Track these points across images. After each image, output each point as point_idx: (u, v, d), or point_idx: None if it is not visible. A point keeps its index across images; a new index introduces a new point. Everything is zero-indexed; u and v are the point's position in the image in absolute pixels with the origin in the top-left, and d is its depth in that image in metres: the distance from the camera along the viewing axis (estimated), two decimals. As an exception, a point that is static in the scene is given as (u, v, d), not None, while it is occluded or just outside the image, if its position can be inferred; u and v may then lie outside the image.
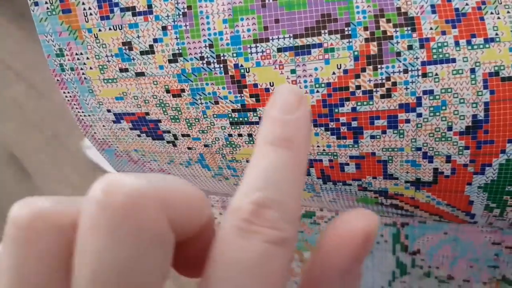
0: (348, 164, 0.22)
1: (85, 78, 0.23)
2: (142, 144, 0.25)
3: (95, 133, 0.25)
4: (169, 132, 0.24)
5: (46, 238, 0.12)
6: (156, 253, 0.12)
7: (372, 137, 0.21)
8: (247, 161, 0.24)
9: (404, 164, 0.22)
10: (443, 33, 0.19)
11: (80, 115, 0.24)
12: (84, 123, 0.25)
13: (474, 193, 0.22)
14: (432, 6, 0.19)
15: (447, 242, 0.29)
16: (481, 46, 0.19)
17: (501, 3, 0.19)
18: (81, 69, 0.23)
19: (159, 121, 0.23)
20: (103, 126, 0.24)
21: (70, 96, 0.24)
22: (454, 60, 0.19)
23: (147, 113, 0.23)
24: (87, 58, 0.22)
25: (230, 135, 0.23)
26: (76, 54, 0.22)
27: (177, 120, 0.23)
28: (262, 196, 0.13)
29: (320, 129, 0.21)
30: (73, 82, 0.23)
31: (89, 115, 0.24)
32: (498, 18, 0.19)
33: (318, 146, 0.22)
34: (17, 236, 0.12)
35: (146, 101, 0.23)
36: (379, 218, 0.16)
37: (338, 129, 0.21)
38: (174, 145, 0.24)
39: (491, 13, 0.19)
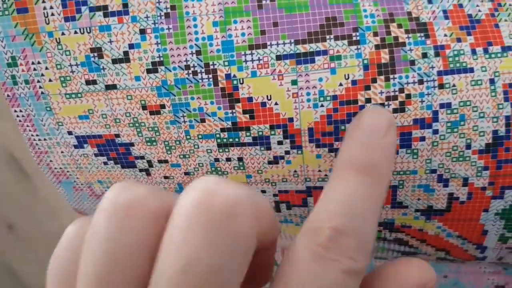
0: None
1: (42, 93, 0.19)
2: (109, 173, 0.21)
3: (51, 161, 0.21)
4: (143, 158, 0.20)
5: (142, 223, 0.12)
6: (242, 258, 0.12)
7: None
8: None
9: (416, 190, 0.19)
10: (459, 40, 0.17)
11: (34, 139, 0.20)
12: (38, 149, 0.20)
13: (490, 221, 0.20)
14: (444, 11, 0.17)
15: (447, 287, 0.27)
16: (499, 55, 0.17)
17: None
18: (38, 81, 0.19)
19: (132, 144, 0.20)
20: (62, 152, 0.20)
21: (23, 116, 0.20)
22: (472, 70, 0.17)
23: (117, 135, 0.19)
24: (46, 68, 0.18)
25: (216, 159, 0.19)
26: (33, 63, 0.18)
27: (154, 143, 0.19)
28: (342, 223, 0.13)
29: (323, 150, 0.19)
30: (27, 98, 0.19)
31: (44, 139, 0.20)
32: None
33: (319, 171, 0.19)
34: (117, 216, 0.12)
35: (117, 120, 0.19)
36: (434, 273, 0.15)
37: None
38: (148, 174, 0.20)
39: (505, 20, 0.17)
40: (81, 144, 0.20)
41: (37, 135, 0.20)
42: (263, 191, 0.20)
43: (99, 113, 0.19)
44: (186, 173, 0.20)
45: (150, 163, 0.20)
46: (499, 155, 0.18)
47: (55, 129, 0.20)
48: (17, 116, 0.20)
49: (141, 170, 0.20)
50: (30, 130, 0.20)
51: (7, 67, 0.19)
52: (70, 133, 0.20)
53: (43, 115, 0.19)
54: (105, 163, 0.20)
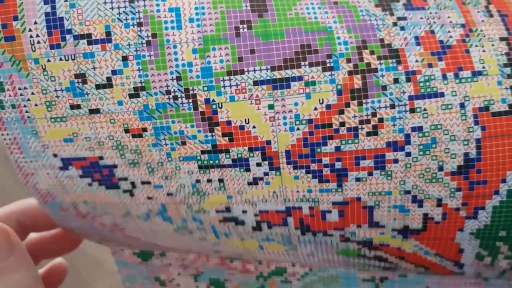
0: (330, 212, 0.20)
1: (28, 117, 0.20)
2: (94, 194, 0.21)
3: (37, 182, 0.21)
4: (126, 179, 0.21)
5: None
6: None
7: (358, 179, 0.19)
8: (216, 212, 0.21)
9: (391, 210, 0.20)
10: (430, 65, 0.18)
11: (20, 161, 0.21)
12: (25, 170, 0.21)
13: (465, 240, 0.20)
14: (416, 38, 0.18)
15: None
16: (469, 80, 0.18)
17: (484, 36, 0.18)
18: (24, 106, 0.19)
19: (115, 166, 0.20)
20: (47, 174, 0.21)
21: (10, 139, 0.20)
22: (442, 94, 0.18)
23: (101, 157, 0.20)
24: (32, 94, 0.19)
25: (198, 181, 0.20)
26: (19, 88, 0.19)
27: (137, 165, 0.20)
28: None
29: (300, 172, 0.19)
30: (14, 121, 0.20)
31: (31, 161, 0.21)
32: (483, 51, 0.18)
33: (297, 192, 0.20)
34: None
35: (101, 143, 0.20)
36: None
37: (321, 171, 0.19)
38: (132, 195, 0.21)
39: (476, 45, 0.18)
40: (65, 166, 0.21)
41: (23, 157, 0.21)
42: (244, 211, 0.21)
43: (83, 137, 0.20)
44: (169, 194, 0.21)
45: (133, 184, 0.21)
46: (471, 177, 0.19)
47: (41, 151, 0.20)
48: (4, 139, 0.20)
49: (124, 191, 0.21)
50: (16, 153, 0.20)
51: None
52: (55, 155, 0.20)
53: (29, 138, 0.20)
54: (89, 185, 0.21)
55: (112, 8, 0.19)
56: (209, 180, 0.20)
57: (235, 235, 0.22)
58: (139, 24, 0.19)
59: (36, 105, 0.19)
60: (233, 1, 0.19)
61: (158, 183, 0.20)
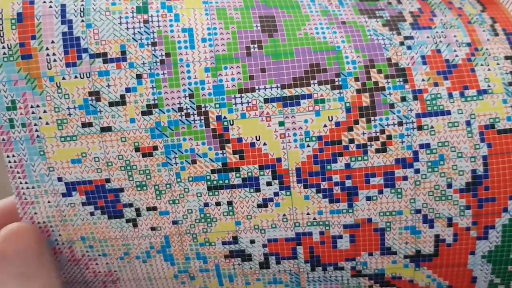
0: (341, 237, 0.20)
1: (37, 136, 0.19)
2: (94, 227, 0.21)
3: (35, 213, 0.21)
4: (131, 205, 0.20)
5: None
6: None
7: (368, 198, 0.19)
8: (223, 244, 0.20)
9: (403, 232, 0.19)
10: (436, 84, 0.19)
11: (22, 188, 0.20)
12: (25, 199, 0.20)
13: (477, 266, 0.20)
14: (423, 57, 0.19)
15: None
16: (475, 98, 0.19)
17: (490, 55, 0.19)
18: (35, 124, 0.19)
19: (122, 190, 0.20)
20: (48, 202, 0.20)
21: (15, 161, 0.20)
22: (449, 112, 0.19)
23: (108, 180, 0.20)
24: (44, 112, 0.19)
25: (206, 204, 0.20)
26: (32, 106, 0.19)
27: (144, 188, 0.20)
28: None
29: (311, 191, 0.19)
30: (22, 141, 0.20)
31: (33, 187, 0.20)
32: (489, 69, 0.19)
33: (308, 214, 0.19)
34: None
35: (109, 164, 0.19)
36: None
37: (331, 190, 0.19)
38: (135, 225, 0.20)
39: (481, 64, 0.19)
40: (69, 191, 0.20)
41: (25, 183, 0.20)
42: (252, 242, 0.20)
43: (91, 157, 0.19)
44: (174, 222, 0.20)
45: (138, 212, 0.20)
46: (480, 194, 0.19)
47: (45, 175, 0.20)
48: (9, 162, 0.20)
49: (128, 221, 0.20)
50: (19, 177, 0.20)
51: (6, 110, 0.19)
52: (60, 179, 0.20)
53: (35, 160, 0.20)
54: (91, 214, 0.20)
55: (127, 29, 0.19)
56: (218, 203, 0.20)
57: (240, 278, 0.21)
58: (153, 44, 0.19)
59: (47, 123, 0.19)
60: (244, 22, 0.20)
61: (165, 209, 0.20)
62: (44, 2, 0.20)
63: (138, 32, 0.19)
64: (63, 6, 0.20)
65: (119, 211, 0.20)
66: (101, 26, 0.19)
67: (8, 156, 0.20)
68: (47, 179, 0.20)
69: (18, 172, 0.20)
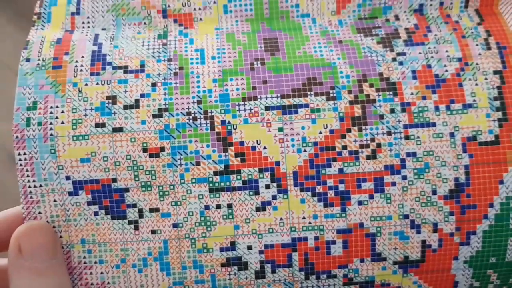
0: (335, 243, 0.21)
1: (51, 135, 0.21)
2: (96, 228, 0.21)
3: (39, 213, 0.21)
4: (135, 206, 0.21)
5: None
6: None
7: (360, 203, 0.20)
8: (220, 250, 0.21)
9: (392, 238, 0.21)
10: (424, 98, 0.21)
11: (29, 186, 0.21)
12: (31, 197, 0.21)
13: (460, 271, 0.21)
14: (413, 72, 0.21)
15: None
16: (460, 112, 0.21)
17: (479, 70, 0.21)
18: (51, 123, 0.21)
19: (127, 190, 0.21)
20: (54, 201, 0.21)
21: (25, 159, 0.21)
22: (434, 124, 0.20)
23: (114, 180, 0.21)
24: (62, 112, 0.21)
25: (207, 207, 0.21)
26: (51, 107, 0.21)
27: (149, 188, 0.21)
28: None
29: (307, 195, 0.20)
30: (35, 139, 0.21)
31: (40, 185, 0.21)
32: (476, 84, 0.21)
33: (304, 218, 0.21)
34: None
35: (117, 164, 0.21)
36: None
37: (326, 194, 0.20)
38: (136, 227, 0.21)
39: (469, 79, 0.21)
40: (76, 190, 0.21)
41: (33, 181, 0.21)
42: (250, 248, 0.21)
43: (101, 156, 0.21)
44: (175, 225, 0.21)
45: (140, 213, 0.21)
46: (462, 201, 0.20)
47: (54, 173, 0.21)
48: (20, 159, 0.21)
49: (130, 222, 0.21)
50: (28, 176, 0.21)
51: (26, 110, 0.21)
52: (68, 178, 0.21)
53: (45, 158, 0.21)
54: (95, 213, 0.21)
55: (148, 49, 0.22)
56: (218, 206, 0.21)
57: None
58: (169, 60, 0.22)
59: (62, 122, 0.21)
60: (249, 43, 0.22)
61: (167, 210, 0.21)
62: (82, 32, 0.23)
63: (157, 51, 0.22)
64: (96, 34, 0.23)
65: (122, 212, 0.21)
66: (126, 47, 0.22)
67: (19, 154, 0.21)
68: (55, 177, 0.21)
69: (27, 170, 0.21)
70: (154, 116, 0.21)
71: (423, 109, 0.21)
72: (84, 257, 0.21)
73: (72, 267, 0.22)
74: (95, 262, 0.22)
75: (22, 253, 0.20)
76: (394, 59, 0.21)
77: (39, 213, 0.21)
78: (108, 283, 0.22)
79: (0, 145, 0.54)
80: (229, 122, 0.20)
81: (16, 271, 0.20)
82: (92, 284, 0.22)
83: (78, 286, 0.22)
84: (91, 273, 0.22)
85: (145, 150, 0.21)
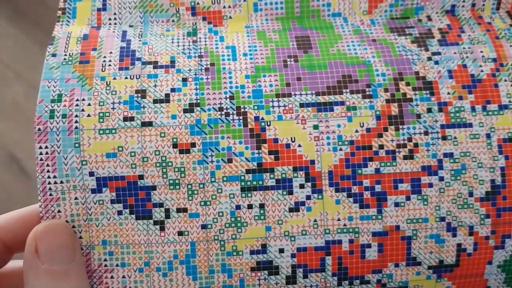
0: (370, 246, 0.20)
1: (76, 128, 0.20)
2: (120, 229, 0.20)
3: (59, 211, 0.20)
4: (161, 205, 0.20)
5: None
6: None
7: (397, 204, 0.20)
8: (251, 253, 0.20)
9: (428, 241, 0.20)
10: (460, 98, 0.20)
11: (49, 182, 0.20)
12: (50, 195, 0.20)
13: (492, 275, 0.21)
14: (449, 71, 0.21)
15: None
16: (496, 113, 0.20)
17: None
18: (76, 116, 0.20)
19: (154, 188, 0.20)
20: (75, 199, 0.20)
21: (47, 153, 0.20)
22: (470, 125, 0.20)
23: (141, 177, 0.20)
24: (89, 105, 0.20)
25: (238, 207, 0.20)
26: (77, 100, 0.20)
27: (177, 187, 0.20)
28: None
29: (342, 195, 0.20)
30: (59, 132, 0.20)
31: (61, 182, 0.20)
32: None
33: (338, 220, 0.20)
34: None
35: (145, 159, 0.20)
36: None
37: (361, 195, 0.20)
38: (162, 228, 0.20)
39: (505, 80, 0.21)
40: (100, 187, 0.20)
41: (54, 177, 0.20)
42: (281, 251, 0.20)
43: (128, 151, 0.20)
44: (203, 226, 0.20)
45: (167, 213, 0.20)
46: (498, 203, 0.20)
47: (76, 169, 0.20)
48: (40, 153, 0.20)
49: (155, 223, 0.20)
50: (48, 171, 0.20)
51: (50, 102, 0.20)
52: (91, 174, 0.20)
53: (68, 152, 0.20)
54: (119, 213, 0.20)
55: (178, 45, 0.22)
56: (250, 206, 0.20)
57: None
58: (200, 56, 0.21)
59: (89, 115, 0.20)
60: (281, 41, 0.22)
61: (195, 210, 0.20)
62: (109, 29, 0.22)
63: (187, 48, 0.22)
64: (124, 31, 0.22)
65: (148, 211, 0.20)
66: (155, 44, 0.22)
67: (40, 148, 0.20)
68: (78, 173, 0.20)
69: (48, 165, 0.20)
70: (185, 111, 0.20)
71: (459, 109, 0.20)
72: (105, 260, 0.20)
73: (92, 270, 0.20)
74: (117, 265, 0.20)
75: (39, 255, 0.19)
76: (429, 58, 0.21)
77: (58, 211, 0.20)
78: (132, 285, 0.21)
79: (0, 144, 0.53)
80: (262, 119, 0.20)
81: (32, 273, 0.19)
82: None
83: None
84: (112, 277, 0.20)
85: (175, 145, 0.20)
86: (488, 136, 0.20)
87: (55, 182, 0.20)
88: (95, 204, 0.20)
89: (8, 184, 0.54)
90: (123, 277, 0.20)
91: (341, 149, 0.20)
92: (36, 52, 0.62)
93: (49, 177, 0.20)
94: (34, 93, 0.65)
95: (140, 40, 0.22)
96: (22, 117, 0.63)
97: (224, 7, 0.23)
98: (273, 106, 0.20)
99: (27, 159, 0.54)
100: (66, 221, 0.20)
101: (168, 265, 0.20)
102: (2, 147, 0.53)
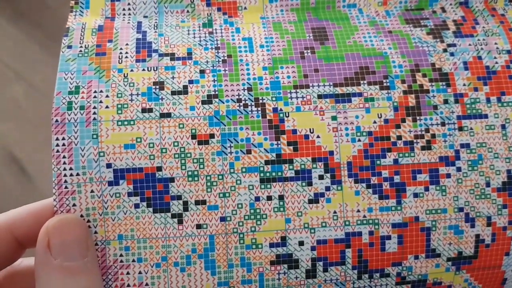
0: (390, 238, 0.20)
1: (94, 119, 0.20)
2: (136, 222, 0.20)
3: (74, 205, 0.20)
4: (180, 198, 0.20)
5: None
6: None
7: (416, 195, 0.20)
8: (270, 246, 0.20)
9: (447, 232, 0.20)
10: (476, 89, 0.21)
11: (65, 175, 0.20)
12: (65, 187, 0.20)
13: (509, 267, 0.21)
14: (465, 63, 0.21)
15: None
16: (510, 104, 0.20)
17: None
18: (94, 107, 0.20)
19: (172, 180, 0.20)
20: (91, 192, 0.20)
21: (63, 145, 0.20)
22: (486, 116, 0.20)
23: (159, 168, 0.20)
24: (107, 96, 0.20)
25: (257, 198, 0.20)
26: (95, 91, 0.20)
27: (195, 179, 0.20)
28: None
29: (361, 186, 0.20)
30: (77, 123, 0.20)
31: (77, 174, 0.20)
32: None
33: (358, 211, 0.20)
34: None
35: (163, 150, 0.20)
36: None
37: (381, 186, 0.20)
38: (180, 222, 0.20)
39: None
40: (117, 180, 0.20)
41: (70, 169, 0.20)
42: (301, 243, 0.20)
43: (147, 142, 0.20)
44: (222, 219, 0.20)
45: (185, 205, 0.20)
46: None
47: (94, 160, 0.20)
48: (57, 145, 0.20)
49: (173, 216, 0.20)
50: (64, 163, 0.20)
51: (67, 94, 0.20)
52: (109, 165, 0.20)
53: (86, 143, 0.20)
54: (136, 206, 0.20)
55: (194, 37, 0.22)
56: (269, 197, 0.20)
57: None
58: (217, 48, 0.21)
59: (107, 107, 0.20)
60: (297, 33, 0.22)
61: (214, 202, 0.20)
62: (123, 20, 0.22)
63: (204, 39, 0.22)
64: (139, 22, 0.22)
65: (166, 204, 0.20)
66: (171, 35, 0.22)
67: (57, 139, 0.20)
68: (95, 165, 0.20)
69: (64, 157, 0.20)
70: (203, 102, 0.20)
71: (475, 101, 0.20)
72: (121, 255, 0.20)
73: (107, 266, 0.20)
74: (133, 261, 0.20)
75: (51, 250, 0.19)
76: (445, 50, 0.21)
77: (74, 205, 0.20)
78: (147, 284, 0.20)
79: (0, 144, 0.52)
80: (281, 110, 0.20)
81: (44, 269, 0.19)
82: (128, 285, 0.20)
83: (112, 287, 0.20)
84: (128, 273, 0.20)
85: (193, 136, 0.20)
86: (503, 127, 0.20)
87: (71, 175, 0.20)
88: (111, 197, 0.20)
89: (8, 184, 0.54)
90: (140, 272, 0.20)
91: (359, 140, 0.20)
92: (36, 52, 0.62)
93: (65, 169, 0.20)
94: (34, 93, 0.65)
95: (155, 32, 0.22)
96: (22, 117, 0.62)
97: None
98: (291, 98, 0.20)
99: (27, 159, 0.54)
100: (81, 215, 0.20)
101: (186, 259, 0.20)
102: (2, 147, 0.53)
